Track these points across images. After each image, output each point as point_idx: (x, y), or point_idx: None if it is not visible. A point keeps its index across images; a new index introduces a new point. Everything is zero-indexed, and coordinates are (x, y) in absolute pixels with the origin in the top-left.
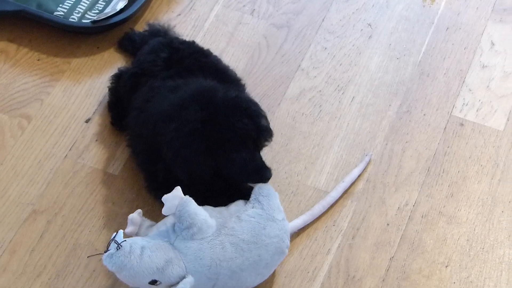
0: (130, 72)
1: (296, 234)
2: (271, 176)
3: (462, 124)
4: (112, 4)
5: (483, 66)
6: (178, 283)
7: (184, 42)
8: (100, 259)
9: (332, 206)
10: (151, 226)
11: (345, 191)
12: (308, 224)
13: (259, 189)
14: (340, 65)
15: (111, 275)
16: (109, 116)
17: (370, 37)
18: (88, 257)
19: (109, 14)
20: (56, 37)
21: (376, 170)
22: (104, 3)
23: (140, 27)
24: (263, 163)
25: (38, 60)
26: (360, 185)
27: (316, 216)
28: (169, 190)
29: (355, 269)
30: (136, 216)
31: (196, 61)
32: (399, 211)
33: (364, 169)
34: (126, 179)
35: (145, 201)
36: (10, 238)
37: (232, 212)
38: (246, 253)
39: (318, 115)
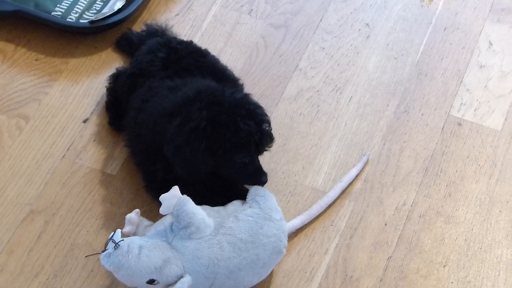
0: (128, 72)
1: (294, 234)
2: (267, 181)
3: (460, 124)
4: (109, 4)
5: (481, 66)
6: (176, 282)
7: (182, 42)
8: (98, 259)
9: (330, 206)
10: (149, 225)
11: (343, 191)
12: (306, 224)
13: (255, 190)
14: (338, 65)
15: (108, 275)
16: (107, 116)
17: (368, 37)
18: (86, 256)
19: (107, 14)
20: (54, 37)
21: (374, 170)
22: (101, 3)
23: (138, 27)
24: (260, 167)
25: (36, 60)
26: (358, 185)
27: (314, 216)
28: (168, 190)
29: (352, 269)
30: (133, 215)
31: (194, 61)
32: (397, 211)
33: (362, 169)
34: (124, 179)
35: (143, 201)
36: (8, 238)
37: (230, 212)
38: (244, 253)
39: (316, 115)
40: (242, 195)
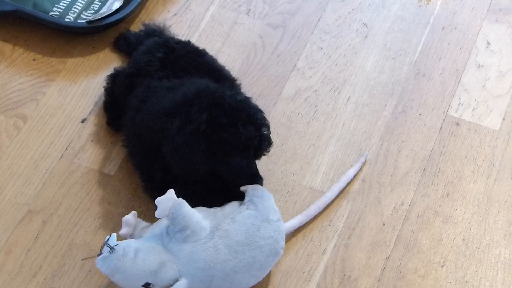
0: (126, 72)
1: (291, 234)
2: (262, 186)
3: (458, 124)
4: (107, 4)
5: (478, 66)
6: (171, 285)
7: (179, 42)
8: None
9: (328, 206)
10: (146, 227)
11: (341, 191)
12: (303, 224)
13: (252, 190)
14: (336, 65)
15: (106, 276)
16: (105, 116)
17: (365, 37)
18: (82, 260)
19: (105, 14)
20: (52, 37)
21: (371, 170)
22: (99, 3)
23: (136, 27)
24: (257, 171)
25: (33, 60)
26: (355, 185)
27: (312, 216)
28: (166, 190)
29: (350, 269)
30: (130, 217)
31: (191, 61)
32: (395, 211)
33: (360, 169)
34: (122, 179)
35: (141, 201)
36: (6, 238)
37: (226, 214)
38: (240, 255)
39: (313, 115)
40: (241, 196)
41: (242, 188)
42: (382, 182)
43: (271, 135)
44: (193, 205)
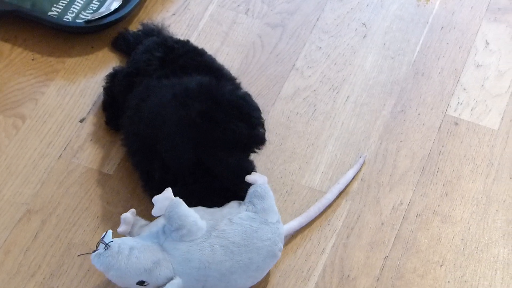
0: (125, 72)
1: (290, 234)
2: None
3: (456, 123)
4: (106, 4)
5: (477, 65)
6: (165, 284)
7: (178, 41)
8: None
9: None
10: (145, 225)
11: (340, 192)
12: None
13: (254, 190)
14: (335, 64)
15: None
16: (103, 115)
17: (364, 36)
18: (78, 255)
19: (103, 14)
20: (51, 36)
21: (370, 170)
22: (98, 3)
23: (135, 26)
24: (248, 169)
25: (32, 59)
26: (354, 185)
27: (312, 218)
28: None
29: (349, 268)
30: (129, 215)
31: (191, 60)
32: (394, 211)
33: (359, 170)
34: (120, 178)
35: (140, 200)
36: (5, 238)
37: (225, 214)
38: (236, 256)
39: (312, 114)
40: (240, 196)
41: (248, 178)
42: (381, 182)
43: (270, 135)
44: (193, 205)
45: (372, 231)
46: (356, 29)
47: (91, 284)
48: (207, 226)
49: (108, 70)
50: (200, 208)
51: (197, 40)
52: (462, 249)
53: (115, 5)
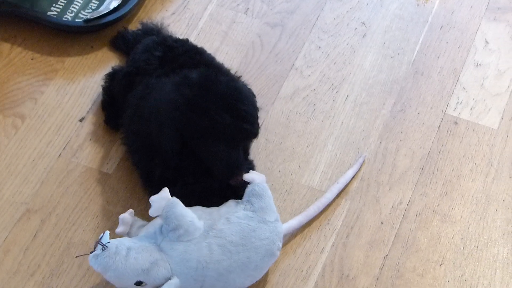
0: (124, 71)
1: (290, 233)
2: (239, 177)
3: (456, 123)
4: (105, 3)
5: (477, 65)
6: (163, 284)
7: (177, 40)
8: None
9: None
10: (143, 226)
11: (340, 191)
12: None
13: (252, 189)
14: (334, 64)
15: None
16: (103, 115)
17: (364, 35)
18: (76, 256)
19: (102, 13)
20: (50, 36)
21: (370, 169)
22: (97, 2)
23: (134, 26)
24: (238, 162)
25: (32, 59)
26: (354, 184)
27: (311, 217)
28: (165, 187)
29: (349, 267)
30: (127, 216)
31: (190, 59)
32: (393, 210)
33: (358, 169)
34: (120, 178)
35: (139, 200)
36: (4, 237)
37: (222, 214)
38: (234, 255)
39: (312, 114)
40: (239, 195)
41: (246, 177)
42: (380, 181)
43: (270, 134)
44: (192, 204)
45: (371, 230)
46: (356, 28)
47: (90, 284)
48: (205, 225)
49: (108, 69)
50: (197, 207)
51: (196, 40)
52: (462, 248)
53: (114, 4)
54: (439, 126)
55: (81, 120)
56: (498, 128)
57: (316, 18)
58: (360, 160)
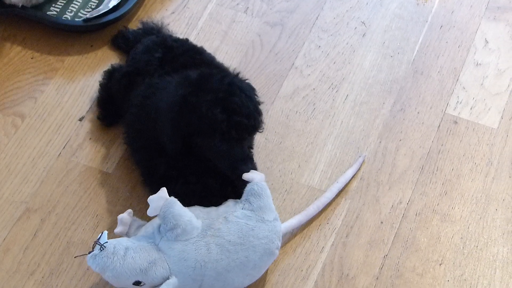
0: (124, 71)
1: (289, 232)
2: (245, 171)
3: (456, 122)
4: (105, 1)
5: (477, 64)
6: (161, 284)
7: (177, 40)
8: None
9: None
10: (142, 225)
11: (339, 191)
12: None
13: (250, 188)
14: (334, 63)
15: None
16: (97, 111)
17: (364, 35)
18: (75, 257)
19: (102, 12)
20: (50, 35)
21: (370, 168)
22: (97, 1)
23: (134, 25)
24: (241, 157)
25: (31, 58)
26: (354, 183)
27: (311, 216)
28: (168, 186)
29: (348, 267)
30: (126, 216)
31: (190, 59)
32: (393, 209)
33: (358, 169)
34: (120, 177)
35: (139, 199)
36: (4, 237)
37: (220, 213)
38: (233, 255)
39: (312, 113)
40: (239, 195)
41: (245, 176)
42: (380, 181)
43: (269, 133)
44: (192, 203)
45: (371, 229)
46: (356, 27)
47: (90, 283)
48: (203, 225)
49: (107, 68)
50: (196, 207)
51: (196, 39)
52: (462, 248)
53: (114, 2)
54: (439, 125)
55: (81, 119)
56: (498, 127)
57: (316, 17)
58: (360, 160)
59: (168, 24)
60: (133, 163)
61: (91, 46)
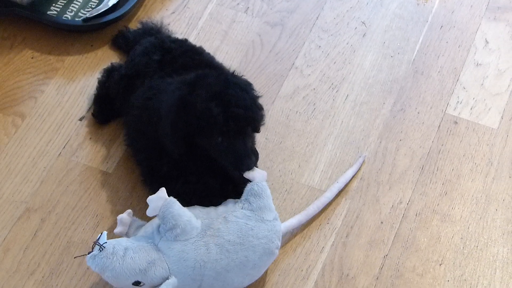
0: (122, 73)
1: (289, 232)
2: (250, 167)
3: (456, 122)
4: (104, 1)
5: (477, 64)
6: (161, 284)
7: (176, 41)
8: None
9: (326, 205)
10: (141, 226)
11: (340, 191)
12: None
13: (250, 188)
14: (334, 63)
15: None
16: (92, 108)
17: (364, 35)
18: (75, 257)
19: (101, 11)
20: (50, 35)
21: (370, 168)
22: (97, 1)
23: (134, 25)
24: (244, 152)
25: (32, 58)
26: (354, 183)
27: (311, 216)
28: (169, 185)
29: (349, 267)
30: (125, 216)
31: (190, 59)
32: (393, 209)
33: (358, 169)
34: (120, 177)
35: (139, 199)
36: (4, 236)
37: (220, 213)
38: (232, 254)
39: (312, 113)
40: (239, 195)
41: (246, 175)
42: (380, 181)
43: (270, 133)
44: (192, 203)
45: (371, 230)
46: (356, 27)
47: (90, 283)
48: (202, 225)
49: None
50: (195, 207)
51: (196, 39)
52: (462, 248)
53: (113, 1)
54: (439, 125)
55: (81, 119)
56: (498, 127)
57: (316, 17)
58: (360, 160)
59: (168, 24)
60: (133, 163)
61: (91, 46)
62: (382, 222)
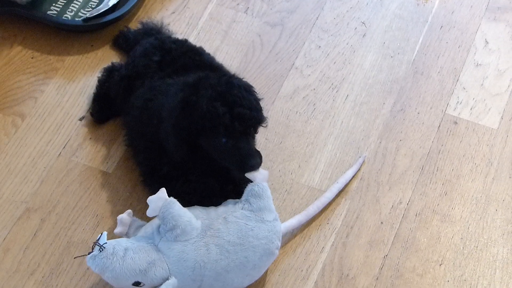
0: (122, 74)
1: (289, 233)
2: (256, 167)
3: (456, 123)
4: (105, 1)
5: (477, 65)
6: (161, 284)
7: (176, 41)
8: None
9: (326, 205)
10: (141, 226)
11: (340, 191)
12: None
13: (251, 189)
14: (334, 63)
15: None
16: (91, 106)
17: (364, 35)
18: (74, 258)
19: (101, 10)
20: (50, 35)
21: (370, 169)
22: (97, 1)
23: (134, 25)
24: (248, 152)
25: (32, 58)
26: (354, 184)
27: (311, 216)
28: (169, 185)
29: (348, 267)
30: (125, 216)
31: (190, 60)
32: (393, 210)
33: (358, 169)
34: (120, 177)
35: (139, 199)
36: (4, 236)
37: (220, 213)
38: (232, 255)
39: (312, 113)
40: (239, 195)
41: (248, 175)
42: (380, 181)
43: (270, 134)
44: (193, 202)
45: (371, 230)
46: (356, 28)
47: (90, 283)
48: (202, 225)
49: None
50: (195, 207)
51: (196, 39)
52: (462, 248)
53: (113, 1)
54: (439, 126)
55: (81, 119)
56: (498, 128)
57: (316, 17)
58: (360, 160)
59: (169, 24)
60: (133, 163)
61: (91, 45)
62: (382, 222)
